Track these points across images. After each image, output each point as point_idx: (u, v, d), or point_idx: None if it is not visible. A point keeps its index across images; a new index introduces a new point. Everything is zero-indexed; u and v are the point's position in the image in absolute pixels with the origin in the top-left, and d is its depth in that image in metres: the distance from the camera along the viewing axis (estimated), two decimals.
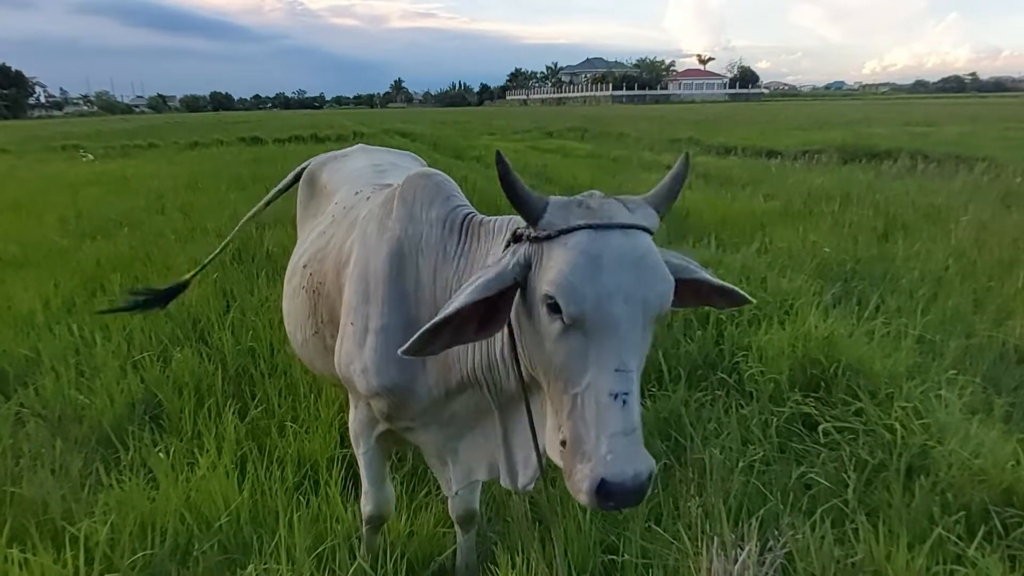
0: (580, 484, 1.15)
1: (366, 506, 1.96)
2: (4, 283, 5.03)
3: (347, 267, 1.78)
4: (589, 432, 1.16)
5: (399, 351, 1.28)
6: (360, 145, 2.75)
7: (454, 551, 2.18)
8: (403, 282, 1.63)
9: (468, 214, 1.66)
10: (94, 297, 4.67)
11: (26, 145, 21.17)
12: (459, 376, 1.59)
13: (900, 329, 3.36)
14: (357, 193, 2.11)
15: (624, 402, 1.15)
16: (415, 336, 1.26)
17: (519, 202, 1.25)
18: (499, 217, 1.60)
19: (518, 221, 1.40)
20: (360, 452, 1.91)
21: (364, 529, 2.05)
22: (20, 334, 3.89)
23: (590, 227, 1.21)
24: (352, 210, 2.00)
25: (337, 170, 2.44)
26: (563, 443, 1.21)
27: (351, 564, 1.94)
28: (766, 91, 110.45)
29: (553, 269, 1.19)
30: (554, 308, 1.18)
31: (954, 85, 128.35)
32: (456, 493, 1.85)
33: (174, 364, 3.36)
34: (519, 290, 1.29)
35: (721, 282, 1.42)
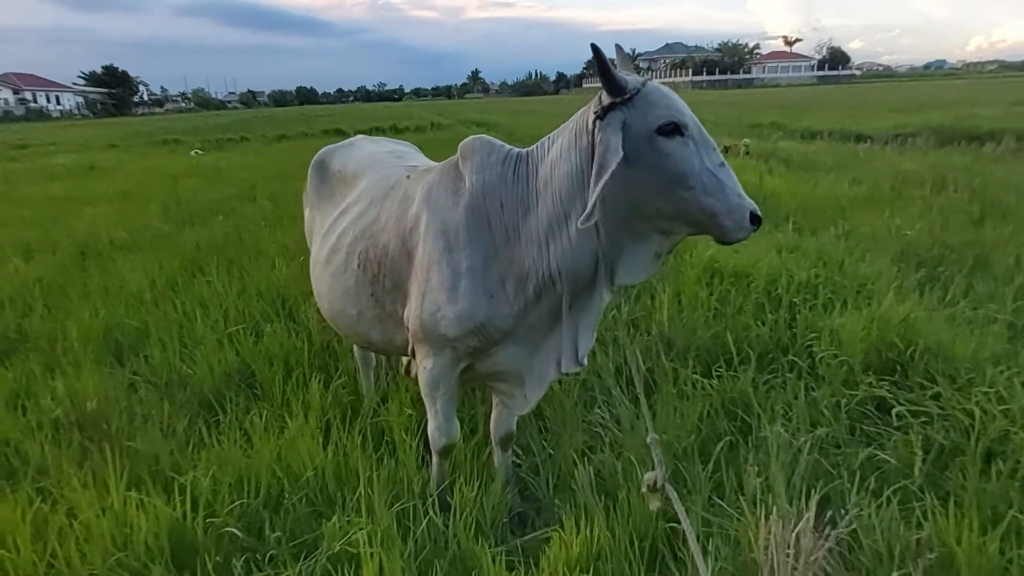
0: (739, 224, 1.65)
1: (440, 440, 2.21)
2: (116, 264, 5.51)
3: (414, 233, 2.05)
4: (720, 195, 1.64)
5: (579, 223, 1.67)
6: (357, 136, 2.97)
7: (519, 513, 2.34)
8: (479, 223, 1.95)
9: (517, 152, 2.02)
10: (194, 278, 5.05)
11: (131, 140, 22.76)
12: (536, 280, 1.91)
13: (988, 315, 3.22)
14: (390, 176, 2.36)
15: (727, 166, 1.68)
16: (587, 209, 1.63)
17: (615, 81, 1.66)
18: (534, 145, 1.98)
19: (559, 132, 1.91)
20: (439, 394, 2.13)
21: (436, 461, 2.30)
22: (131, 309, 4.28)
23: (649, 80, 1.72)
24: (395, 189, 2.26)
25: (351, 157, 2.65)
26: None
27: (424, 520, 2.08)
28: (858, 72, 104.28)
29: (658, 107, 1.66)
30: (672, 130, 1.65)
31: None
32: (532, 407, 2.19)
33: (265, 338, 3.62)
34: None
35: None
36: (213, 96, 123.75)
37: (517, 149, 2.02)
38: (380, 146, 2.77)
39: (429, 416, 2.22)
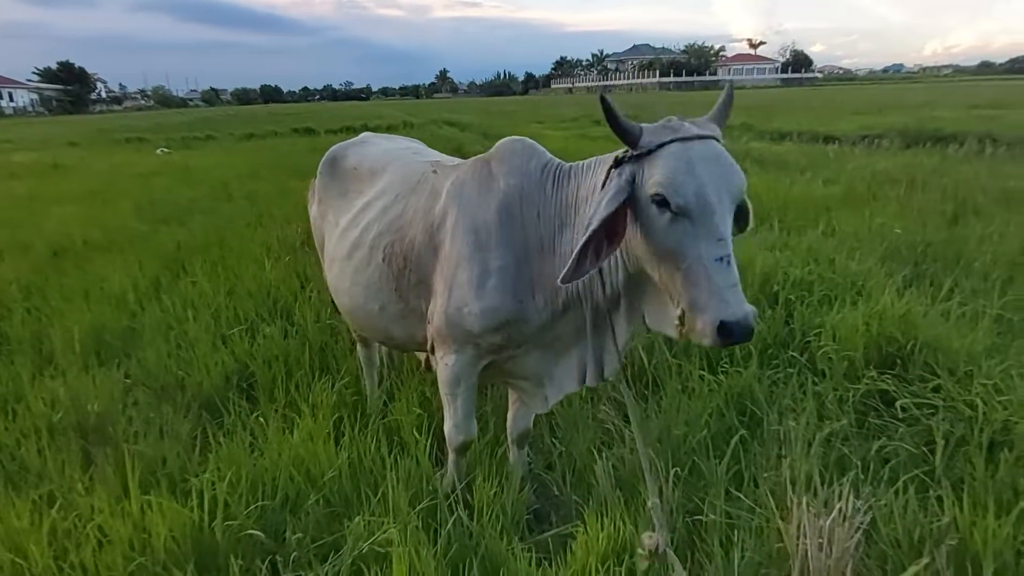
0: (704, 330, 1.46)
1: (458, 437, 2.21)
2: (93, 264, 5.37)
3: (441, 228, 2.05)
4: (703, 290, 1.46)
5: (559, 280, 1.60)
6: (366, 133, 2.95)
7: (535, 510, 2.36)
8: (513, 227, 1.94)
9: (557, 163, 1.99)
10: (177, 278, 4.94)
11: (93, 138, 22.13)
12: (565, 296, 1.90)
13: (977, 309, 3.33)
14: (415, 171, 2.34)
15: (728, 263, 1.47)
16: (567, 266, 1.58)
17: (621, 131, 1.56)
18: (582, 161, 1.92)
19: (603, 160, 1.78)
20: (459, 391, 2.13)
21: (453, 459, 2.31)
22: (117, 311, 4.16)
23: (678, 140, 1.54)
24: (422, 183, 2.24)
25: (367, 154, 2.63)
26: (680, 315, 1.54)
27: (450, 518, 2.07)
28: (820, 75, 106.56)
29: (657, 174, 1.51)
30: (662, 203, 1.50)
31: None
32: (550, 408, 2.20)
33: (262, 340, 3.55)
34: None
35: None
36: (174, 94, 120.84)
37: (557, 160, 2.00)
38: (394, 143, 2.76)
39: (447, 414, 2.21)
